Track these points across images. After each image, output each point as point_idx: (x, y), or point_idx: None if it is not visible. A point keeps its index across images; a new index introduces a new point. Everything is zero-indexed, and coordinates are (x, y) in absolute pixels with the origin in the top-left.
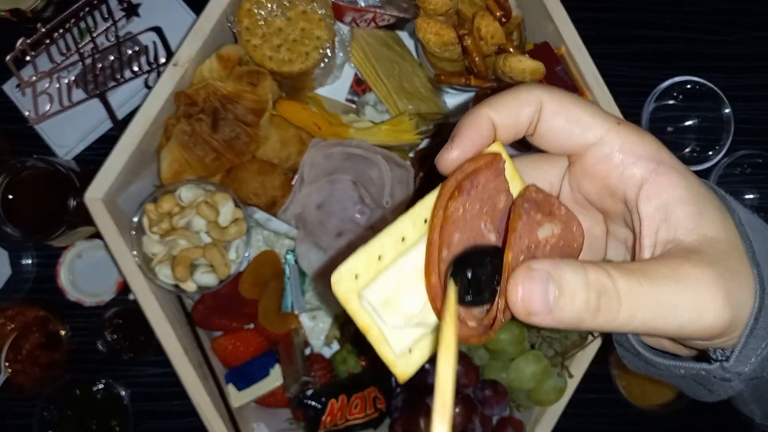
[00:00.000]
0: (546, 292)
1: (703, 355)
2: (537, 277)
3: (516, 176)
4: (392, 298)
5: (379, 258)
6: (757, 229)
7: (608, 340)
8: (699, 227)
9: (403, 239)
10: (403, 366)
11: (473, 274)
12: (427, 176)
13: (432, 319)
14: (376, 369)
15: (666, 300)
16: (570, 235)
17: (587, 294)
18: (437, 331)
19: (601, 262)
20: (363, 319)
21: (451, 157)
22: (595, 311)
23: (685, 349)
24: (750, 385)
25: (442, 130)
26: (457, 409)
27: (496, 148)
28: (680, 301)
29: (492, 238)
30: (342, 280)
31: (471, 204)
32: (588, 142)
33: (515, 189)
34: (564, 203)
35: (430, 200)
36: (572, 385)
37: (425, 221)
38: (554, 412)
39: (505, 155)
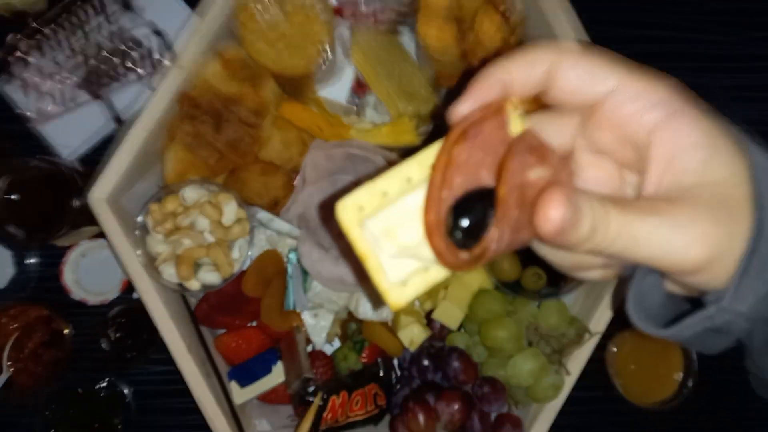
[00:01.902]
0: (572, 212)
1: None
2: (567, 198)
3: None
4: (392, 230)
5: (384, 194)
6: None
7: (605, 338)
8: (704, 170)
9: (408, 180)
10: (396, 295)
11: (470, 220)
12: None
13: (426, 254)
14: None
15: (640, 230)
16: (560, 182)
17: (593, 217)
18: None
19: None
20: (362, 247)
21: (460, 110)
22: (593, 233)
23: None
24: (764, 332)
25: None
26: (456, 406)
27: (511, 105)
28: (654, 233)
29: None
30: (347, 209)
31: (474, 151)
32: (603, 91)
33: None
34: (558, 152)
35: (437, 147)
36: (569, 382)
37: (430, 166)
38: (552, 408)
39: (511, 109)
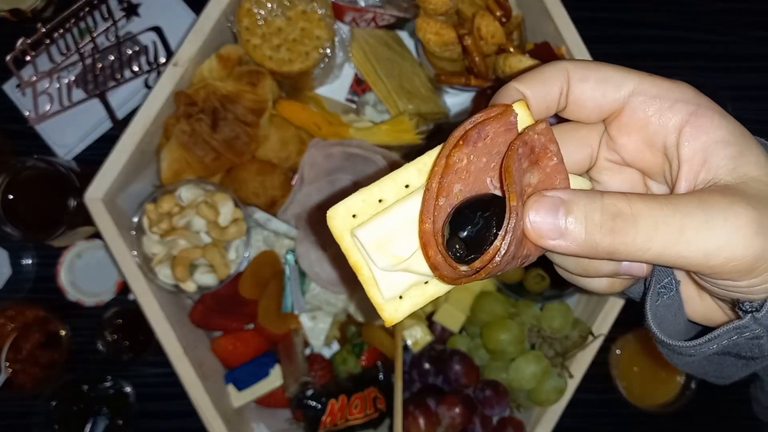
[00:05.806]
0: (555, 216)
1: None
2: (545, 202)
3: None
4: (385, 241)
5: (380, 201)
6: None
7: (608, 340)
8: (740, 168)
9: (406, 186)
10: (391, 311)
11: (470, 230)
12: None
13: (421, 267)
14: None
15: (690, 226)
16: (551, 187)
17: (601, 216)
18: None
19: (625, 192)
20: (355, 257)
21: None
22: (610, 232)
23: (731, 312)
24: None
25: (442, 129)
26: (457, 410)
27: (519, 107)
28: (707, 228)
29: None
30: (338, 216)
31: (477, 156)
32: (622, 97)
33: None
34: (559, 155)
35: (437, 151)
36: (572, 385)
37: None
38: (554, 412)
39: (519, 109)
